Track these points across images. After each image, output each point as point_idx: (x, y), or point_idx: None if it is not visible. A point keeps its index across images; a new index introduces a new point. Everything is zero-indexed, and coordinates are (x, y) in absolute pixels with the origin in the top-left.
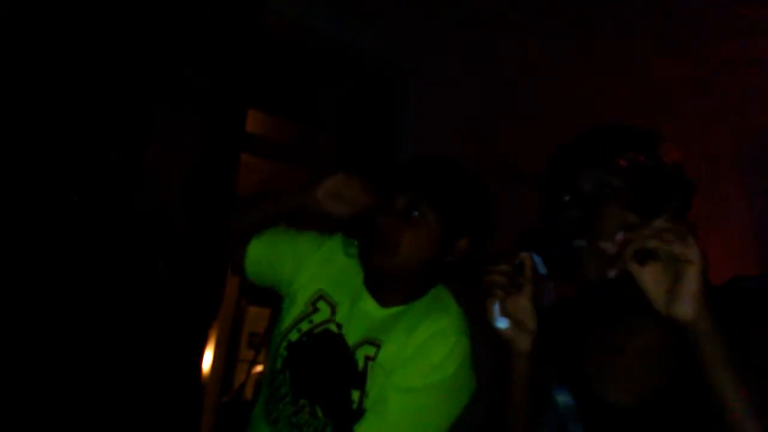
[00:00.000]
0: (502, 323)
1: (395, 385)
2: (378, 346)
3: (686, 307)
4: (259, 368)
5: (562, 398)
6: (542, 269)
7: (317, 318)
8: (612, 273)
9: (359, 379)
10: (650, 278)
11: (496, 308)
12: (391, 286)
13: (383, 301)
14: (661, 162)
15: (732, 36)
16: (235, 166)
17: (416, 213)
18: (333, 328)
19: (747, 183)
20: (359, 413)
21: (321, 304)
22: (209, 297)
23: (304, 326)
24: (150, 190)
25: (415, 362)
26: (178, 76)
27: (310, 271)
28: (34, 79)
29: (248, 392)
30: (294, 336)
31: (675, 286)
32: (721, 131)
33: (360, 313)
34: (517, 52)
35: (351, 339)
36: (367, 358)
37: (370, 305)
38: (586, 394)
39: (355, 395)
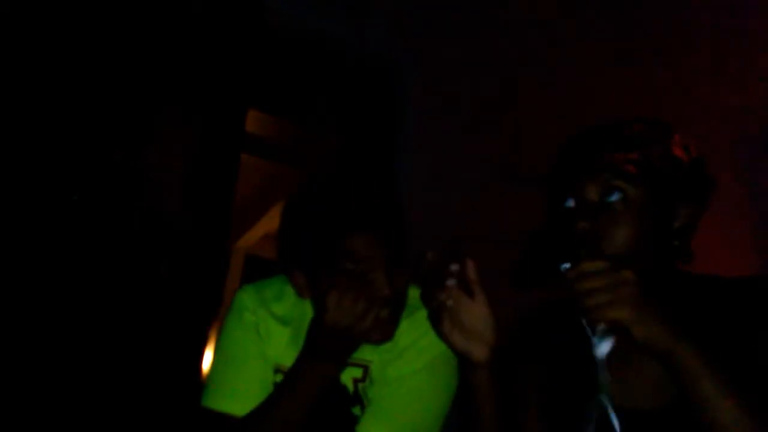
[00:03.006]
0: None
1: (387, 377)
2: (365, 367)
3: (619, 312)
4: None
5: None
6: None
7: None
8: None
9: (355, 399)
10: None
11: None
12: None
13: None
14: (673, 158)
15: (732, 36)
16: (235, 166)
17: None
18: None
19: (747, 183)
20: None
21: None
22: (209, 297)
23: None
24: (151, 190)
25: (405, 354)
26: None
27: (268, 355)
28: (35, 79)
29: None
30: None
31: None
32: (721, 131)
33: None
34: (519, 50)
35: None
36: (356, 381)
37: None
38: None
39: (357, 410)
